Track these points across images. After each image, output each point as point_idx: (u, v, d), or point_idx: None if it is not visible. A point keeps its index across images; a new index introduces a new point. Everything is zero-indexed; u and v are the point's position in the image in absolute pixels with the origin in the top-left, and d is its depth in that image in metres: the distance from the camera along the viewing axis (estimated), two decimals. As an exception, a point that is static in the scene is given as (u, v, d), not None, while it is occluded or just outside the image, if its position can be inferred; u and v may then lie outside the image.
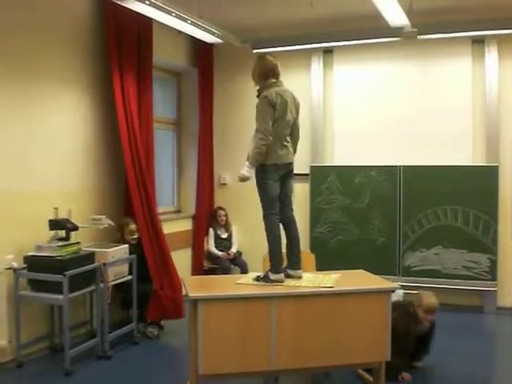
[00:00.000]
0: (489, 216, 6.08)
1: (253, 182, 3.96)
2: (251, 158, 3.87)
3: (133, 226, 5.33)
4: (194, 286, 3.89)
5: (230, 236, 7.03)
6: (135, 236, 5.34)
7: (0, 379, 4.26)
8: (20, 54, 4.55)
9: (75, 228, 4.65)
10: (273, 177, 3.93)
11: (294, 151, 4.13)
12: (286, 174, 4.04)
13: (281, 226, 4.06)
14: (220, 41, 6.43)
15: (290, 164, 4.05)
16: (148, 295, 5.26)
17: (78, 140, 5.20)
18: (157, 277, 5.37)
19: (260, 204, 4.00)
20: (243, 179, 3.90)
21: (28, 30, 4.61)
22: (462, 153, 6.27)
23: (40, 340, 4.76)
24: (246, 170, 3.87)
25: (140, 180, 5.39)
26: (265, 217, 3.99)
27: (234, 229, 7.08)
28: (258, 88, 4.02)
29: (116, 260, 4.86)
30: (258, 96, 3.99)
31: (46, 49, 4.80)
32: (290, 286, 3.87)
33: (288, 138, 4.02)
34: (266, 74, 3.98)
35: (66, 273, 4.28)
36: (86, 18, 5.25)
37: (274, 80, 3.98)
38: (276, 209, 3.99)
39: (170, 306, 5.35)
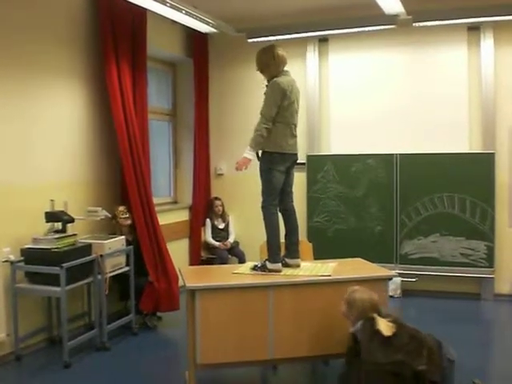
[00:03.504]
0: (486, 203, 6.08)
1: (249, 171, 3.94)
2: (252, 139, 3.81)
3: (121, 207, 5.35)
4: (191, 277, 3.88)
5: (226, 226, 7.03)
6: (127, 216, 5.34)
7: (-1, 372, 4.28)
8: (15, 48, 4.51)
9: (71, 220, 4.64)
10: (279, 167, 3.91)
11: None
12: (291, 165, 4.04)
13: (279, 216, 4.05)
14: (215, 30, 6.42)
15: (296, 155, 4.04)
16: (143, 287, 5.27)
17: (74, 132, 5.18)
18: (153, 268, 5.37)
19: (260, 193, 3.98)
20: (244, 163, 3.80)
21: (24, 23, 4.57)
22: (459, 140, 6.26)
23: (38, 332, 4.76)
24: (248, 153, 3.80)
25: (136, 171, 5.37)
26: (264, 207, 3.98)
27: (231, 219, 7.08)
28: (267, 79, 3.98)
29: (113, 251, 4.85)
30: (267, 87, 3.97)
31: (41, 42, 4.76)
32: (288, 275, 3.87)
33: (296, 128, 4.00)
34: (279, 67, 3.94)
35: (63, 265, 4.27)
36: (81, 9, 5.20)
37: (285, 70, 3.97)
38: (276, 200, 3.99)
39: (164, 298, 5.34)
